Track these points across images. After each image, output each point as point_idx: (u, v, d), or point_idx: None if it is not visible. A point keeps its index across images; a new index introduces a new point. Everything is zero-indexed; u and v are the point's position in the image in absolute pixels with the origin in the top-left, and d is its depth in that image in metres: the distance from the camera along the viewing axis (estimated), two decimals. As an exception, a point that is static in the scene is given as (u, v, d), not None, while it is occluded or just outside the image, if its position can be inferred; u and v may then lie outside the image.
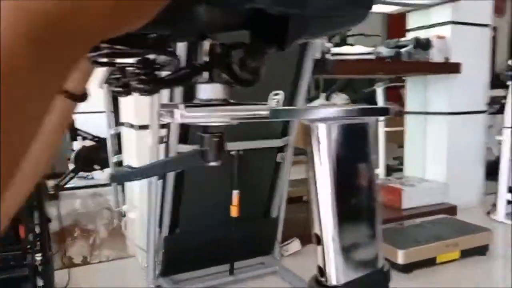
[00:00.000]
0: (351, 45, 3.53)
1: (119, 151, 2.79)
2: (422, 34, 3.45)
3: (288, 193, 2.50)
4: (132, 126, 2.51)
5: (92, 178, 3.59)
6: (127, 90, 0.43)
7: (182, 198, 2.14)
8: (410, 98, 3.80)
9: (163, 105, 0.47)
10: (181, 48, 0.51)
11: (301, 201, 3.14)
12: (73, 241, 2.56)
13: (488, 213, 3.37)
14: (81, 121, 3.77)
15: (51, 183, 2.90)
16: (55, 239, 2.39)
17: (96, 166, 3.48)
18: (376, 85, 3.85)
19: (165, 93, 1.84)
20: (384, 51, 3.16)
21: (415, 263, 2.39)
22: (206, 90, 0.46)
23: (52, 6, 0.24)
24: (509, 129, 3.27)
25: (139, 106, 2.36)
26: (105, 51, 0.40)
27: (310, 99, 4.23)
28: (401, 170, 4.02)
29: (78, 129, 3.79)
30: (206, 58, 0.44)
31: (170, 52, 0.45)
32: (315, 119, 0.67)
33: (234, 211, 2.11)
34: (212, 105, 0.46)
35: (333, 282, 0.77)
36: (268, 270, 2.39)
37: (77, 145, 3.70)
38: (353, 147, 0.74)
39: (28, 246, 1.87)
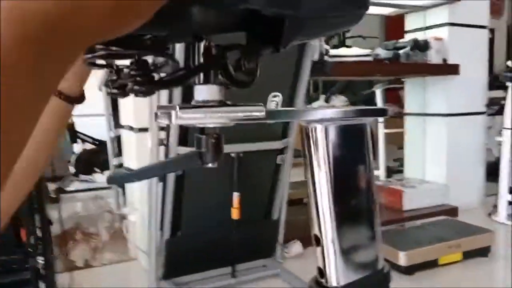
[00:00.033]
0: (349, 46, 3.54)
1: (119, 153, 2.80)
2: (420, 36, 3.46)
3: (289, 195, 2.50)
4: (131, 128, 2.52)
5: (93, 181, 3.59)
6: (124, 92, 0.44)
7: (183, 200, 2.14)
8: (409, 99, 3.81)
9: (159, 107, 0.47)
10: (179, 49, 0.52)
11: (302, 203, 3.14)
12: (74, 244, 2.56)
13: (489, 214, 3.37)
14: (82, 124, 3.78)
15: (52, 186, 2.91)
16: (57, 242, 2.39)
17: (96, 169, 3.48)
18: (375, 87, 3.86)
19: (164, 95, 1.84)
20: (382, 52, 3.16)
21: (417, 265, 2.39)
22: (202, 92, 0.46)
23: (51, 6, 0.24)
24: (509, 130, 3.27)
25: (139, 108, 2.36)
26: (101, 52, 0.40)
27: (309, 101, 4.24)
28: (401, 171, 4.02)
29: (78, 132, 3.79)
30: (202, 60, 0.44)
31: (166, 53, 0.45)
32: (311, 120, 0.67)
33: (234, 213, 2.11)
34: (208, 107, 0.46)
35: (333, 283, 0.77)
36: (270, 273, 2.39)
37: (77, 148, 3.70)
38: (350, 148, 0.74)
39: (30, 249, 1.87)
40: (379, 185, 3.44)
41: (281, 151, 2.32)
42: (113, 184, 2.68)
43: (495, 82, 3.79)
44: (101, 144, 3.49)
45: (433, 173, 3.61)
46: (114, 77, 0.44)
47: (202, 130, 0.51)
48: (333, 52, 2.87)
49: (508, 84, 3.30)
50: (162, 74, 0.46)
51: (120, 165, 2.76)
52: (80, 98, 0.52)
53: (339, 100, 4.30)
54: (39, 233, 1.91)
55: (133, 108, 2.46)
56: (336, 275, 0.77)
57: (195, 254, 2.22)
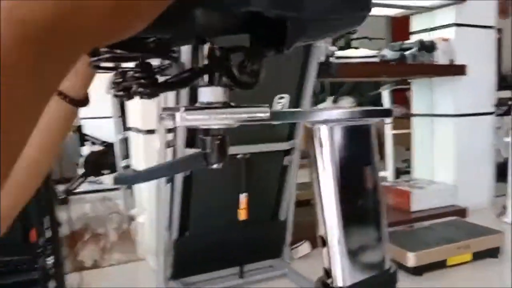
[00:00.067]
0: (356, 48, 3.53)
1: (127, 155, 2.81)
2: (426, 37, 3.44)
3: (297, 196, 2.50)
4: (139, 131, 2.53)
5: (101, 182, 3.61)
6: (128, 94, 0.44)
7: (190, 201, 2.15)
8: (416, 100, 3.79)
9: (164, 109, 0.48)
10: (184, 52, 0.52)
11: (310, 204, 3.13)
12: (83, 244, 2.58)
13: (499, 215, 3.34)
14: (90, 127, 3.81)
15: (60, 187, 2.93)
16: (66, 243, 2.42)
17: (105, 171, 3.51)
18: (382, 88, 3.84)
19: (171, 97, 1.85)
20: (388, 54, 3.15)
21: (425, 266, 2.37)
22: (207, 93, 0.47)
23: (51, 6, 0.24)
24: (518, 131, 3.24)
25: (146, 111, 2.38)
26: (106, 55, 0.40)
27: (316, 103, 4.23)
28: (409, 172, 4.00)
29: (86, 135, 3.82)
30: (206, 62, 0.45)
31: (170, 55, 0.45)
32: (317, 121, 0.68)
33: (242, 214, 2.12)
34: (212, 108, 0.47)
35: (339, 284, 0.77)
36: (278, 273, 2.39)
37: (85, 150, 3.74)
38: (355, 149, 0.74)
39: (39, 250, 1.89)
40: (387, 186, 3.43)
41: (288, 152, 2.32)
42: (120, 185, 2.70)
43: (503, 82, 3.76)
44: (108, 146, 3.52)
45: (441, 174, 3.59)
46: (119, 80, 0.45)
47: (206, 132, 0.52)
48: (339, 53, 2.86)
49: (517, 84, 3.28)
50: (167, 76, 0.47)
51: (128, 167, 2.77)
52: (84, 100, 0.52)
53: (347, 102, 4.29)
54: (48, 233, 1.93)
55: (141, 110, 2.47)
56: (342, 275, 0.77)
57: (203, 254, 2.23)
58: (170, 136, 2.01)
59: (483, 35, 3.53)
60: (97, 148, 3.72)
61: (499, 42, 4.06)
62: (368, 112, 0.73)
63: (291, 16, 0.42)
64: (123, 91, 0.44)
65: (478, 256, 2.50)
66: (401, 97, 4.50)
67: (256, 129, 1.94)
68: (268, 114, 0.51)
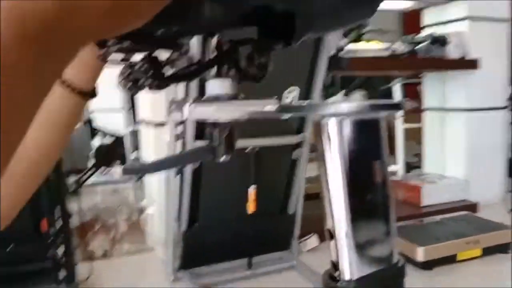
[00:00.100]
0: (367, 41, 3.50)
1: (137, 148, 2.83)
2: (439, 30, 3.40)
3: (306, 189, 2.50)
4: (149, 123, 2.55)
5: (112, 175, 3.64)
6: (137, 86, 0.44)
7: (200, 192, 2.16)
8: (428, 94, 3.76)
9: (172, 102, 0.48)
10: (193, 44, 0.52)
11: (318, 198, 3.13)
12: (94, 235, 2.61)
13: (510, 210, 3.31)
14: (100, 119, 3.84)
15: (72, 179, 2.96)
16: (76, 233, 2.45)
17: (115, 163, 3.54)
18: (393, 82, 3.81)
19: (181, 90, 1.86)
20: (400, 47, 3.12)
21: (435, 260, 2.36)
22: (215, 86, 0.47)
23: (51, 6, 0.24)
24: (531, 126, 3.20)
25: (156, 104, 2.39)
26: (113, 47, 0.41)
27: (326, 96, 4.21)
28: (420, 167, 3.97)
29: (97, 127, 3.85)
30: (214, 54, 0.45)
31: (177, 48, 0.46)
32: (325, 115, 0.67)
33: (251, 206, 2.12)
34: (220, 101, 0.47)
35: (347, 277, 0.77)
36: (286, 265, 2.40)
37: (96, 142, 3.77)
38: (364, 143, 0.74)
39: (50, 240, 1.92)
40: (398, 181, 3.41)
41: (297, 146, 2.32)
42: (129, 175, 2.72)
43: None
44: (119, 138, 3.55)
45: (452, 168, 3.56)
46: (127, 72, 0.45)
47: (214, 125, 0.52)
48: (350, 46, 2.84)
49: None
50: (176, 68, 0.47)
51: (137, 159, 2.79)
52: (93, 92, 0.52)
53: (358, 96, 4.27)
54: (59, 224, 1.95)
55: (151, 103, 2.48)
56: (349, 268, 0.77)
57: (211, 245, 2.24)
58: (179, 129, 2.02)
59: (497, 28, 3.47)
60: (108, 140, 3.75)
61: (513, 35, 4.00)
62: (378, 106, 0.72)
63: (299, 10, 0.42)
64: (132, 83, 0.45)
65: (488, 251, 2.48)
66: (413, 91, 4.46)
67: (265, 123, 1.94)
68: (276, 107, 0.51)
